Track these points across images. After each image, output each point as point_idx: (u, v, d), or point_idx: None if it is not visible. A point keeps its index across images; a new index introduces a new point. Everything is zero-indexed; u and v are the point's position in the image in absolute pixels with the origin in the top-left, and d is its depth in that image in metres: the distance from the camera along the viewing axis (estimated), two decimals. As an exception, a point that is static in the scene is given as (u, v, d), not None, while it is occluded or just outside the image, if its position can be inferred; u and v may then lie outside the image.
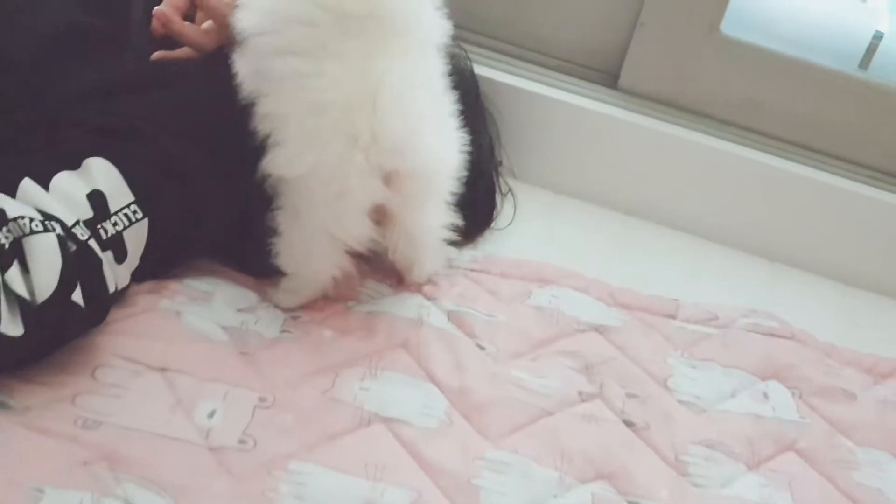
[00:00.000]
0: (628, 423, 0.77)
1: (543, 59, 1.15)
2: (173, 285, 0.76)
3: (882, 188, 1.08)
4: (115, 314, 0.70)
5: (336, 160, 0.69)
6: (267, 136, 0.71)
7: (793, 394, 0.85)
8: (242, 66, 0.71)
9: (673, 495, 0.71)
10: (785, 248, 1.10)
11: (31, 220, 0.62)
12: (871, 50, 1.09)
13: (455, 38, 0.78)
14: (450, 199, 0.78)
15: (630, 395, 0.79)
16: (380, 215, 0.74)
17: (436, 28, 0.74)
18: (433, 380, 0.75)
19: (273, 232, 0.75)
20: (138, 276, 0.73)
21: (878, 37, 1.08)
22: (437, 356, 0.77)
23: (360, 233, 0.73)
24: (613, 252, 1.04)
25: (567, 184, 1.11)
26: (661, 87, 1.12)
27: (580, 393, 0.78)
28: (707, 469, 0.74)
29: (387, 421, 0.70)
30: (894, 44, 1.08)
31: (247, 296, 0.78)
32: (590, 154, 1.11)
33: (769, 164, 1.08)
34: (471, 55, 1.04)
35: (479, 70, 1.06)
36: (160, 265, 0.75)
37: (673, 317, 0.91)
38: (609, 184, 1.11)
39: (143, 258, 0.72)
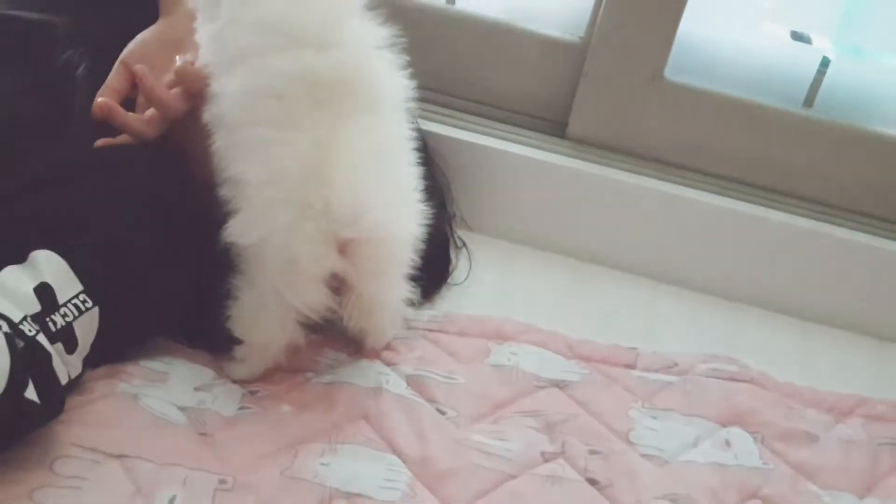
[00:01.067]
0: (592, 482, 0.77)
1: (492, 111, 1.17)
2: (129, 367, 0.75)
3: (833, 223, 1.10)
4: (73, 402, 0.69)
5: (287, 228, 0.70)
6: (229, 203, 0.71)
7: (755, 439, 0.85)
8: (218, 137, 0.72)
9: (639, 553, 0.71)
10: (740, 286, 1.11)
11: (-25, 319, 0.61)
12: (814, 87, 1.11)
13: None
14: (408, 269, 0.78)
15: (593, 452, 0.79)
16: (338, 283, 0.74)
17: (402, 91, 0.76)
18: (395, 450, 0.75)
19: (229, 297, 0.75)
20: (93, 362, 0.73)
21: (823, 66, 1.09)
22: (398, 426, 0.77)
23: (313, 301, 0.73)
24: (571, 299, 1.04)
25: (522, 233, 1.12)
26: (609, 134, 1.14)
27: (542, 453, 0.78)
28: (673, 524, 0.75)
29: (349, 496, 0.70)
30: (838, 80, 1.10)
31: (203, 373, 0.78)
32: (542, 202, 1.12)
33: (719, 204, 1.09)
34: (419, 110, 1.05)
35: (428, 126, 1.07)
36: (114, 349, 0.74)
37: (632, 367, 0.92)
38: (563, 231, 1.12)
39: (95, 345, 0.71)
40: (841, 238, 1.08)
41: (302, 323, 0.75)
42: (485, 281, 1.02)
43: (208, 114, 0.73)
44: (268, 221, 0.70)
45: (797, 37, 1.14)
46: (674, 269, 1.11)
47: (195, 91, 0.76)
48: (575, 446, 0.79)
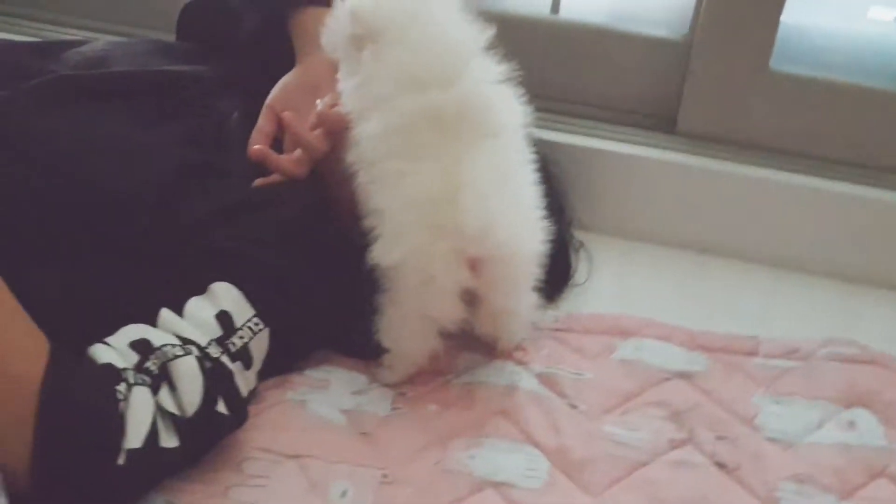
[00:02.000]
0: (720, 466, 0.82)
1: (601, 113, 1.22)
2: (295, 378, 0.85)
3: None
4: (251, 410, 0.79)
5: (422, 250, 0.78)
6: (372, 230, 0.80)
7: (878, 419, 0.88)
8: (360, 175, 0.82)
9: (769, 532, 0.76)
10: (859, 268, 1.13)
11: (173, 345, 0.72)
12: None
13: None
14: (535, 280, 0.85)
15: (719, 438, 0.84)
16: (471, 297, 0.82)
17: (519, 118, 0.83)
18: (533, 442, 0.82)
19: (376, 312, 0.84)
20: (265, 375, 0.83)
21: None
22: (534, 419, 0.84)
23: (449, 314, 0.82)
24: (690, 291, 1.09)
25: (638, 230, 1.17)
26: (718, 128, 1.17)
27: (671, 441, 0.84)
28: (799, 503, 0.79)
29: (496, 485, 0.78)
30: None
31: (358, 379, 0.87)
32: (656, 199, 1.16)
33: (832, 189, 1.12)
34: (538, 118, 1.11)
35: (542, 134, 1.13)
36: (282, 363, 0.84)
37: (754, 354, 0.96)
38: (678, 225, 1.16)
39: (266, 360, 0.81)
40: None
41: (440, 332, 0.83)
42: (604, 279, 1.08)
43: (351, 155, 0.82)
44: (404, 244, 0.78)
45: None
46: (791, 255, 1.14)
47: (335, 131, 0.85)
48: (702, 433, 0.85)
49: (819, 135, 1.15)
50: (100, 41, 1.01)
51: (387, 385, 0.87)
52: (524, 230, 0.81)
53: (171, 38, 1.08)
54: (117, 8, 1.32)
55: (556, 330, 0.97)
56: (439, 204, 0.78)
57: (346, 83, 0.84)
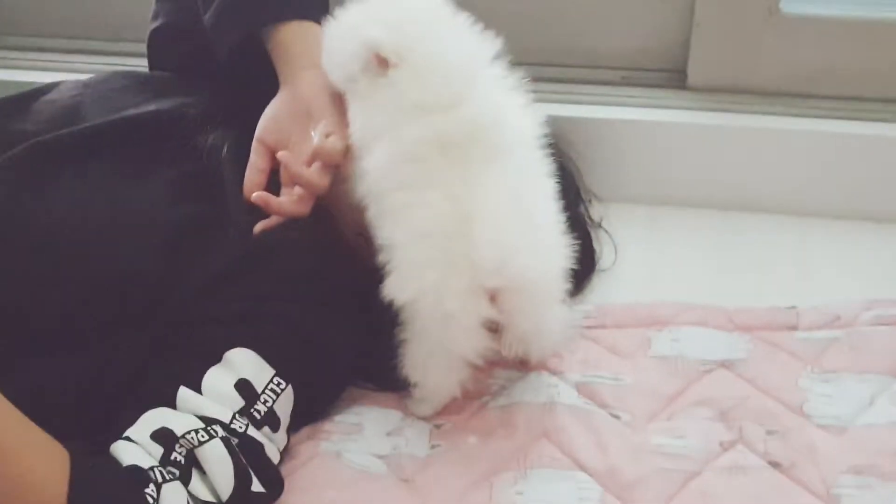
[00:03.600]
0: (774, 465, 0.79)
1: (608, 75, 1.15)
2: (326, 425, 0.83)
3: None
4: (284, 469, 0.77)
5: (436, 285, 0.74)
6: (385, 264, 0.76)
7: (933, 386, 0.85)
8: (370, 210, 0.78)
9: (833, 532, 0.74)
10: (891, 206, 1.08)
11: (196, 431, 0.69)
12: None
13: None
14: (561, 297, 0.81)
15: (770, 433, 0.82)
16: (496, 325, 0.78)
17: (533, 130, 0.78)
18: (581, 466, 0.79)
19: (399, 345, 0.80)
20: (295, 427, 0.80)
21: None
22: (578, 439, 0.81)
23: (474, 347, 0.78)
24: (720, 252, 1.05)
25: (659, 194, 1.12)
26: (731, 77, 1.11)
27: (721, 443, 0.81)
28: (862, 498, 0.76)
29: (549, 520, 0.75)
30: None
31: (391, 416, 0.84)
32: (674, 160, 1.11)
33: (859, 130, 1.06)
34: (535, 92, 1.05)
35: (547, 109, 1.07)
36: (311, 413, 0.81)
37: (794, 328, 0.92)
38: (700, 184, 1.11)
39: (294, 414, 0.78)
40: None
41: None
42: (629, 252, 1.04)
43: (360, 189, 0.77)
44: (417, 280, 0.74)
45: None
46: (821, 203, 1.09)
47: (334, 164, 0.80)
48: (751, 430, 0.82)
49: (838, 74, 1.08)
50: (68, 83, 0.94)
51: (421, 418, 0.84)
52: (544, 253, 0.76)
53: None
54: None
55: (588, 328, 0.93)
56: (452, 236, 0.73)
57: (352, 108, 0.79)
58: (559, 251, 0.78)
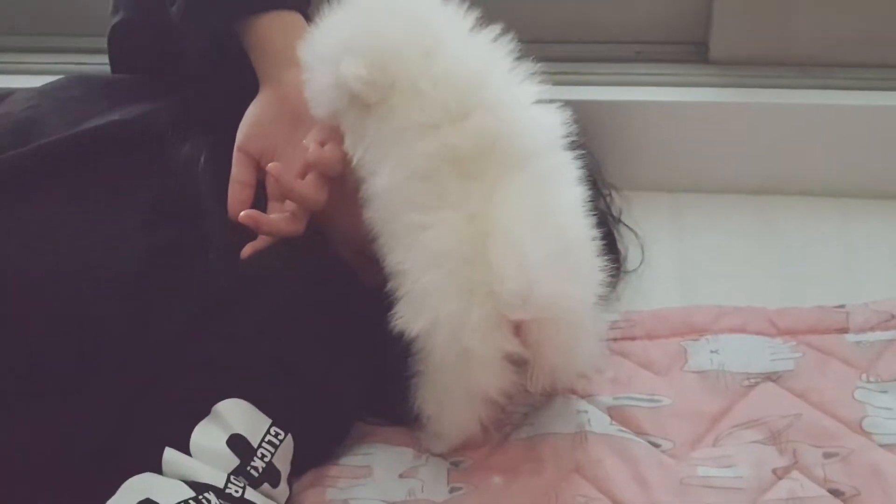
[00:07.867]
0: (835, 493, 0.71)
1: (625, 50, 1.06)
2: (332, 470, 0.74)
3: None
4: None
5: (452, 317, 0.65)
6: (394, 291, 0.67)
7: None
8: (379, 234, 0.69)
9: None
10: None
11: (186, 502, 0.60)
12: None
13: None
14: (596, 326, 0.72)
15: (828, 455, 0.73)
16: (520, 358, 0.69)
17: (554, 130, 0.69)
18: (619, 505, 0.71)
19: (412, 376, 0.71)
20: (298, 473, 0.72)
21: None
22: (615, 474, 0.72)
23: (496, 384, 0.69)
24: (756, 240, 0.97)
25: (685, 179, 1.03)
26: (757, 48, 1.01)
27: (774, 470, 0.73)
28: (937, 530, 0.69)
29: (589, 569, 0.67)
30: None
31: (403, 455, 0.76)
32: (699, 142, 1.01)
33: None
34: (547, 74, 0.95)
35: (561, 92, 0.97)
36: (315, 457, 0.73)
37: (845, 330, 0.83)
38: (730, 168, 1.02)
39: (296, 460, 0.70)
40: None
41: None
42: (653, 242, 0.95)
43: (367, 213, 0.68)
44: (430, 311, 0.65)
45: None
46: (860, 182, 1.00)
47: (332, 175, 0.71)
48: (807, 453, 0.73)
49: (879, 41, 0.98)
50: (21, 92, 0.84)
51: (436, 454, 0.75)
52: (576, 277, 0.67)
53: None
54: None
55: (616, 339, 0.84)
56: (468, 260, 0.64)
57: (353, 146, 0.69)
58: (593, 274, 0.69)
